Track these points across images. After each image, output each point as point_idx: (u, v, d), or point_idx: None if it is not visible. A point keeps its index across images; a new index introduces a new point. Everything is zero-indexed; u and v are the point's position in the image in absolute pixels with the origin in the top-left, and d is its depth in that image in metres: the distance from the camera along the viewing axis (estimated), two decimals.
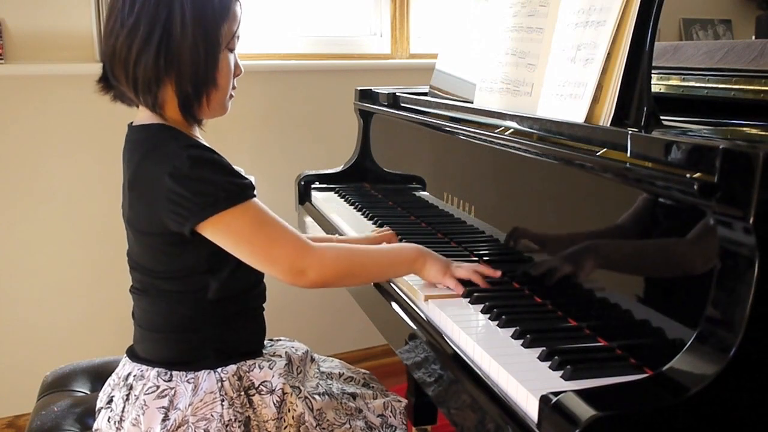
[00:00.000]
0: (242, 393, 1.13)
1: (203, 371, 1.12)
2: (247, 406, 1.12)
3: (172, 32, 1.05)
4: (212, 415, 1.09)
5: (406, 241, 1.44)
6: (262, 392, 1.14)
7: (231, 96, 1.17)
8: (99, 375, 1.42)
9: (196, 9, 1.06)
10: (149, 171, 1.07)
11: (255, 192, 1.09)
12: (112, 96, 1.15)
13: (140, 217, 1.10)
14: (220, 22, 1.09)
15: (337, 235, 1.46)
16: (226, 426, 1.09)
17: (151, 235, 1.10)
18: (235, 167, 1.16)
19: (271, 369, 1.16)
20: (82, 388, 1.44)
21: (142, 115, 1.13)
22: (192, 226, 1.05)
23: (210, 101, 1.12)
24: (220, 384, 1.11)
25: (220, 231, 1.06)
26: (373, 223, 1.63)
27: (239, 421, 1.10)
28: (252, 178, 1.09)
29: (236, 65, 1.16)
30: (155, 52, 1.05)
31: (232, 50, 1.14)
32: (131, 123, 1.15)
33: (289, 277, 1.09)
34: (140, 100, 1.10)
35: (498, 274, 1.19)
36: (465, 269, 1.18)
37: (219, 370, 1.13)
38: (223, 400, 1.10)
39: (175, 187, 1.03)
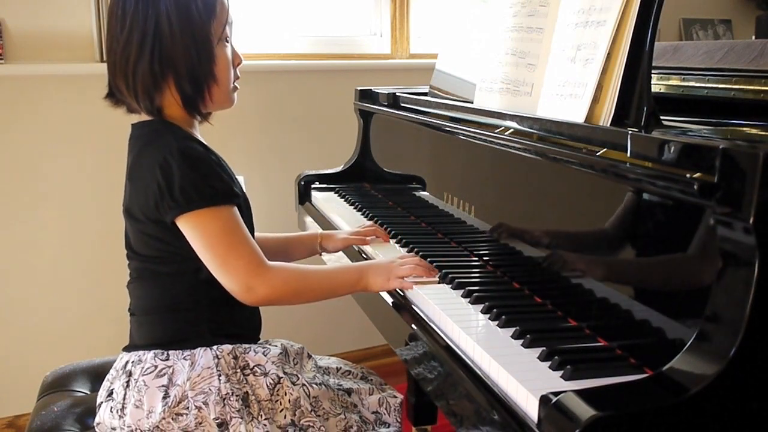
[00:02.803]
0: (238, 371, 1.15)
1: (199, 348, 1.15)
2: (244, 382, 1.14)
3: (163, 37, 1.11)
4: (210, 389, 1.11)
5: (405, 241, 1.44)
6: (257, 373, 1.16)
7: (235, 87, 1.22)
8: (99, 375, 1.42)
9: (180, 11, 1.12)
10: (145, 160, 1.13)
11: (234, 199, 1.13)
12: (125, 109, 1.20)
13: (136, 204, 1.15)
14: (207, 19, 1.14)
15: (320, 231, 1.52)
16: (224, 399, 1.11)
17: (145, 221, 1.14)
18: (227, 165, 1.19)
19: (266, 356, 1.17)
20: (82, 388, 1.44)
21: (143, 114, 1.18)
22: (171, 218, 1.10)
23: (212, 95, 1.17)
24: (216, 360, 1.14)
25: (190, 228, 1.11)
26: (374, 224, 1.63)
27: (237, 396, 1.12)
28: (241, 178, 1.11)
29: (235, 55, 1.21)
30: (149, 59, 1.11)
31: (227, 41, 1.18)
32: (133, 123, 1.20)
33: (237, 290, 1.13)
34: (141, 107, 1.15)
35: (435, 275, 1.22)
36: (407, 268, 1.21)
37: (215, 347, 1.15)
38: (220, 375, 1.13)
39: (163, 179, 1.09)
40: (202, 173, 1.10)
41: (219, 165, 1.15)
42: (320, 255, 1.52)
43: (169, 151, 1.10)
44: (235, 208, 1.14)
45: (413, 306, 1.17)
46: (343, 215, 1.72)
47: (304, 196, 2.01)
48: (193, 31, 1.12)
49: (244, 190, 1.22)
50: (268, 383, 1.15)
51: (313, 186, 2.02)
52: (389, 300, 1.23)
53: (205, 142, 1.20)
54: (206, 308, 1.17)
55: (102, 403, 1.19)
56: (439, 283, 1.21)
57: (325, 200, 1.91)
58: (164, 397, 1.11)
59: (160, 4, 1.11)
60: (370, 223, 1.56)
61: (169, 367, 1.13)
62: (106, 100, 1.19)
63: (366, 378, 1.34)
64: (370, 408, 1.26)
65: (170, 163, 1.09)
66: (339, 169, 2.06)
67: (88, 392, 1.43)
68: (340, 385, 1.26)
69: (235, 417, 1.11)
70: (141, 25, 1.11)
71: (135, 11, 1.11)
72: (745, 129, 1.18)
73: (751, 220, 0.72)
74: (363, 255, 1.44)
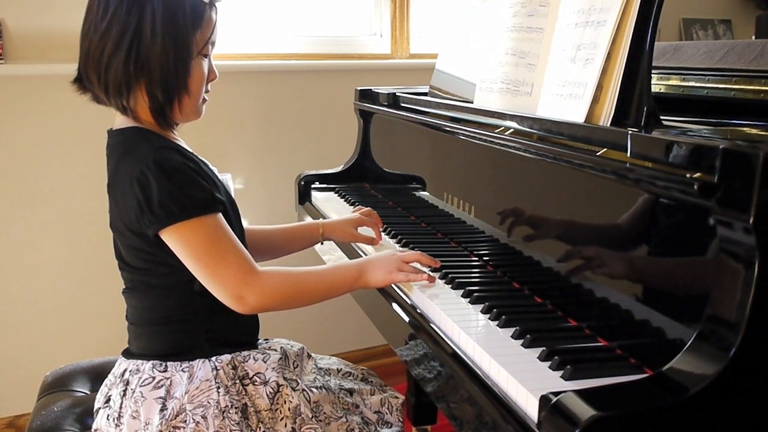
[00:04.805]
0: (237, 381, 1.14)
1: (198, 360, 1.14)
2: (243, 393, 1.14)
3: (143, 38, 1.07)
4: (209, 402, 1.10)
5: (405, 241, 1.44)
6: (256, 383, 1.15)
7: (204, 100, 1.18)
8: (99, 375, 1.42)
9: (166, 15, 1.08)
10: (123, 174, 1.10)
11: (217, 206, 1.10)
12: (90, 97, 1.16)
13: (118, 218, 1.13)
14: (192, 29, 1.10)
15: (321, 219, 1.49)
16: (223, 412, 1.10)
17: (129, 235, 1.12)
18: (209, 167, 1.17)
19: (266, 362, 1.17)
20: (82, 388, 1.44)
21: (120, 120, 1.16)
22: (153, 232, 1.08)
23: (182, 106, 1.13)
24: (215, 372, 1.13)
25: (175, 241, 1.08)
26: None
27: (236, 408, 1.11)
28: (228, 176, 1.08)
29: (210, 70, 1.17)
30: (125, 57, 1.08)
31: (206, 56, 1.15)
32: (110, 129, 1.18)
33: (228, 300, 1.10)
34: (111, 103, 1.12)
35: (437, 263, 1.22)
36: (410, 255, 1.21)
37: (214, 358, 1.14)
38: (218, 388, 1.12)
39: (141, 193, 1.06)
40: (180, 184, 1.07)
41: (198, 172, 1.11)
42: (321, 244, 1.49)
43: (146, 163, 1.06)
44: (219, 215, 1.11)
45: (413, 306, 1.17)
46: (343, 215, 1.72)
47: (304, 196, 2.01)
48: (175, 38, 1.09)
49: (231, 189, 1.20)
50: (268, 392, 1.14)
51: (313, 186, 2.01)
52: (390, 300, 1.23)
53: (185, 146, 1.17)
54: (203, 319, 1.15)
55: (99, 408, 1.19)
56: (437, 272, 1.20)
57: (325, 200, 1.91)
58: (161, 410, 1.10)
59: (147, 3, 1.07)
60: (368, 209, 1.52)
61: (167, 378, 1.12)
62: (73, 85, 1.15)
63: (366, 380, 1.33)
64: (372, 408, 1.25)
65: (147, 176, 1.05)
66: (339, 169, 2.06)
67: (88, 392, 1.43)
68: (342, 386, 1.26)
69: (234, 430, 1.10)
70: (123, 19, 1.07)
71: (119, 3, 1.07)
72: (745, 129, 1.18)
73: (751, 220, 0.72)
74: (360, 251, 1.44)
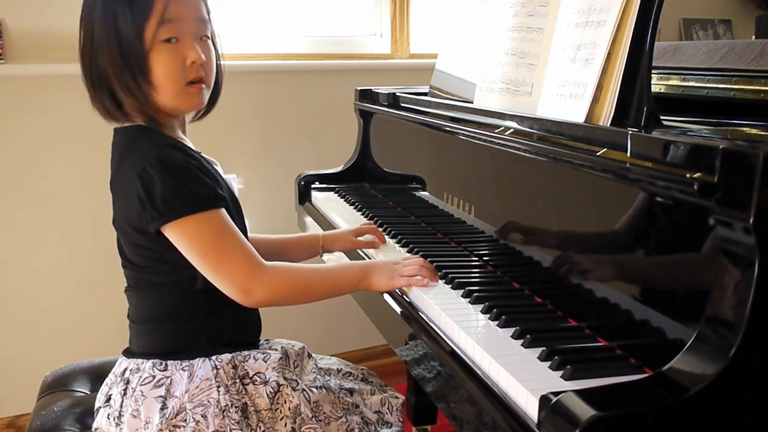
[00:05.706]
0: (237, 381, 1.14)
1: (198, 359, 1.14)
2: (243, 393, 1.14)
3: (94, 48, 1.09)
4: (209, 401, 1.10)
5: (405, 241, 1.44)
6: (257, 382, 1.15)
7: (197, 87, 1.13)
8: (99, 375, 1.42)
9: (106, 18, 1.08)
10: (125, 171, 1.11)
11: (220, 202, 1.10)
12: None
13: (120, 215, 1.13)
14: (135, 23, 1.07)
15: (321, 232, 1.51)
16: (223, 411, 1.10)
17: (132, 232, 1.12)
18: (213, 166, 1.17)
19: (266, 362, 1.17)
20: (82, 388, 1.44)
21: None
22: (155, 228, 1.08)
23: (157, 102, 1.12)
24: (215, 371, 1.13)
25: (178, 236, 1.08)
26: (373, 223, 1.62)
27: (236, 407, 1.11)
28: (233, 176, 1.08)
29: (187, 55, 1.10)
30: (89, 70, 1.11)
31: (172, 41, 1.09)
32: (116, 127, 1.18)
33: (235, 294, 1.10)
34: (99, 114, 1.14)
35: (436, 280, 1.20)
36: (411, 267, 1.20)
37: (214, 357, 1.14)
38: (219, 387, 1.12)
39: (143, 189, 1.06)
40: (183, 180, 1.07)
41: (200, 169, 1.11)
42: (321, 256, 1.51)
43: (147, 160, 1.06)
44: (223, 211, 1.11)
45: (413, 306, 1.17)
46: (343, 215, 1.72)
47: (304, 196, 2.01)
48: (119, 39, 1.07)
49: (235, 189, 1.20)
50: (268, 392, 1.14)
51: (313, 186, 2.01)
52: (389, 300, 1.23)
53: (189, 143, 1.17)
54: (204, 318, 1.16)
55: (100, 408, 1.19)
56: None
57: (325, 200, 1.91)
58: (162, 408, 1.10)
59: (94, 11, 1.08)
60: (367, 221, 1.54)
61: (167, 377, 1.12)
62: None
63: (366, 380, 1.34)
64: (372, 408, 1.25)
65: (149, 172, 1.06)
66: (339, 169, 2.06)
67: (88, 392, 1.43)
68: (342, 386, 1.26)
69: (234, 429, 1.10)
70: (83, 32, 1.11)
71: (82, 16, 1.11)
72: (745, 129, 1.18)
73: (751, 220, 0.72)
74: (364, 255, 1.44)
